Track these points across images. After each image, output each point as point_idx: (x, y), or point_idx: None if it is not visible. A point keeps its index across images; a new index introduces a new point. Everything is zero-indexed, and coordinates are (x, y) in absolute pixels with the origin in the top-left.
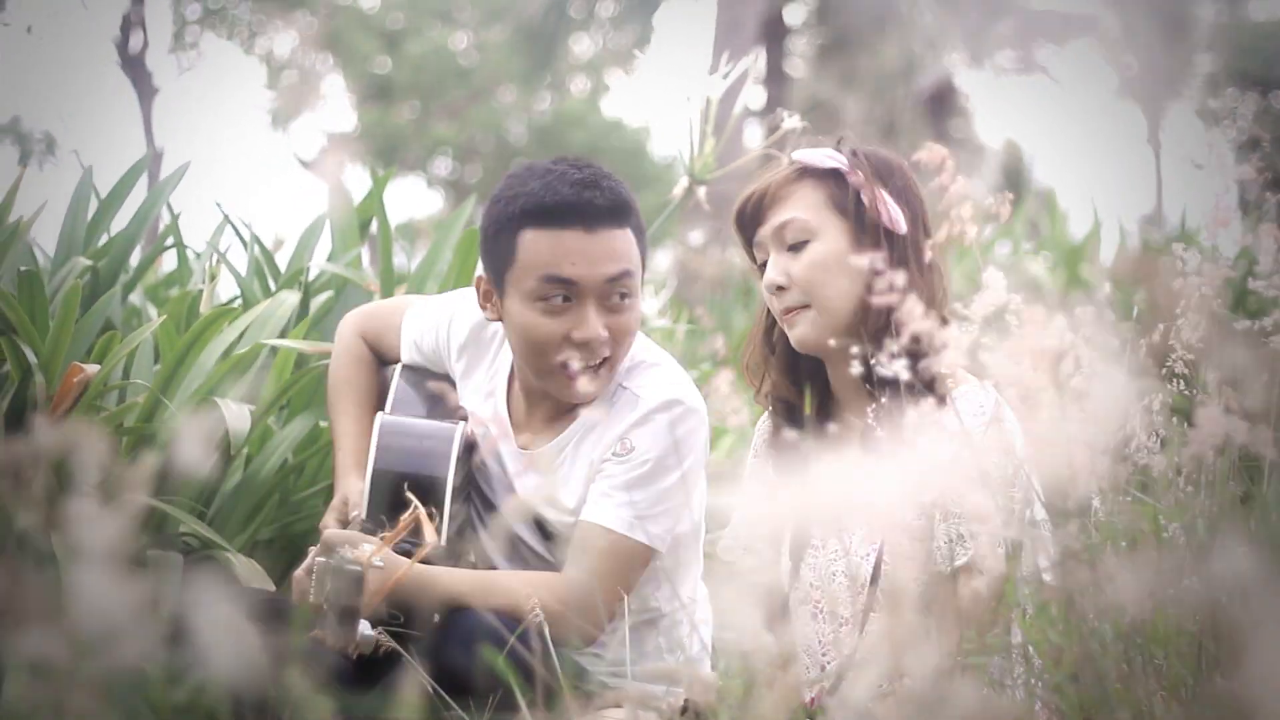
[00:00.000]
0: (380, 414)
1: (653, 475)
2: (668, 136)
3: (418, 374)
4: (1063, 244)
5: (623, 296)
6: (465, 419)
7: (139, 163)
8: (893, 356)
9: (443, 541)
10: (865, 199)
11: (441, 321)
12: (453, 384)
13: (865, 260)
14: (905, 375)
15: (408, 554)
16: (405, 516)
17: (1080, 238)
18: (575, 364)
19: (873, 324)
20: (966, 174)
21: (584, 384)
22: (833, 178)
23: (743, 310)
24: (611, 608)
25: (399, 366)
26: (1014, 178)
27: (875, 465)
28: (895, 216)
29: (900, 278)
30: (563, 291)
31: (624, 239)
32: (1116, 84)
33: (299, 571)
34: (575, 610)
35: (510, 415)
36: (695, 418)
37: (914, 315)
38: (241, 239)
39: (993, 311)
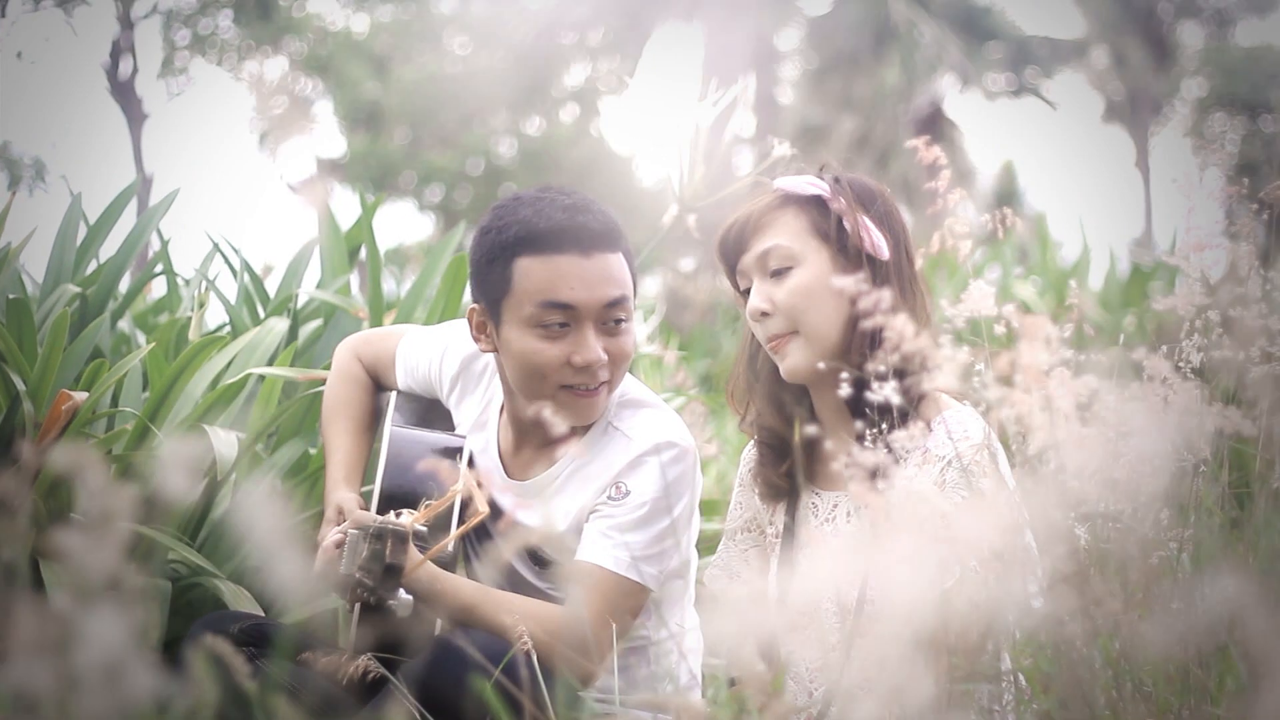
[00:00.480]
0: (390, 424)
1: (647, 519)
2: (657, 163)
3: (414, 400)
4: (1052, 269)
5: (619, 320)
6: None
7: (127, 189)
8: (882, 379)
9: (450, 547)
10: (847, 225)
11: (434, 353)
12: (447, 412)
13: (850, 281)
14: (897, 399)
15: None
16: (454, 487)
17: (1069, 262)
18: (580, 387)
19: (859, 348)
20: (957, 197)
21: (586, 406)
22: (815, 204)
23: (731, 337)
24: (604, 645)
25: (394, 393)
26: (1006, 201)
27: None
28: (877, 242)
29: (886, 296)
30: (561, 317)
31: (618, 263)
32: (1104, 108)
33: (328, 542)
34: (567, 644)
35: (500, 448)
36: (687, 459)
37: (906, 335)
38: (230, 267)
39: (980, 319)
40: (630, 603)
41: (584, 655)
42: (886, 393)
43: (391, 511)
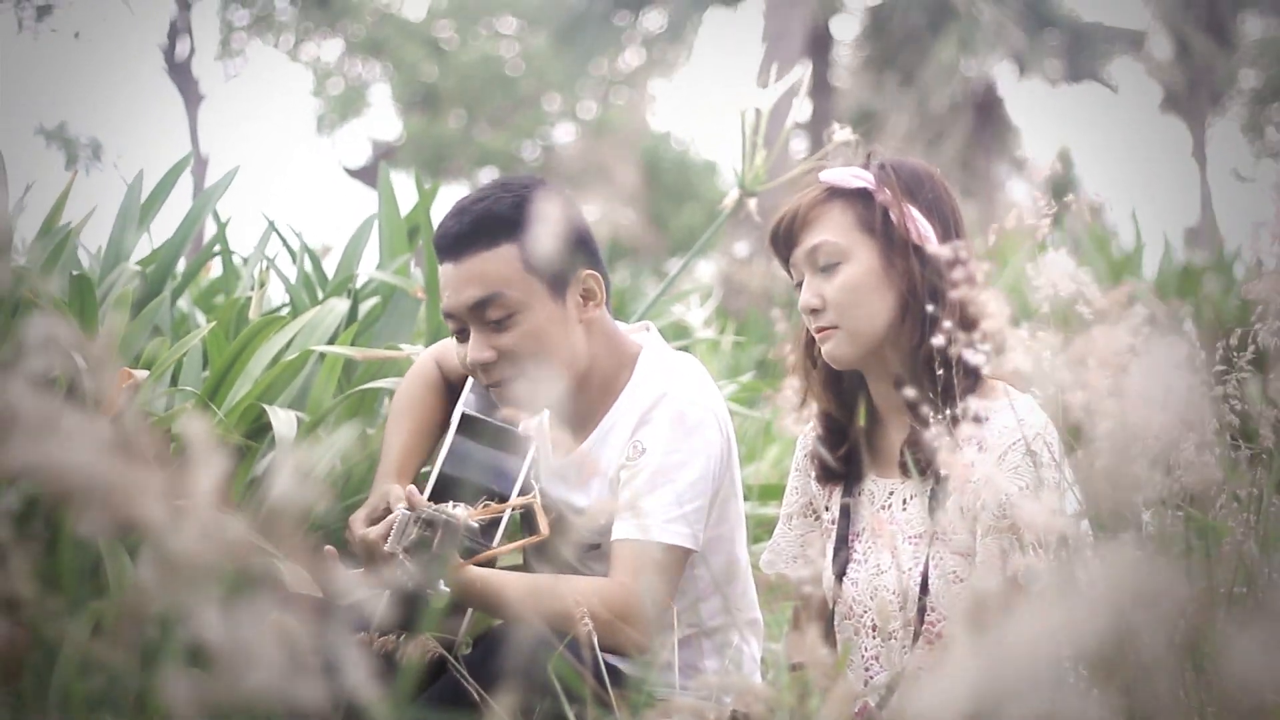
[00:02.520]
0: (461, 409)
1: (665, 472)
2: (710, 145)
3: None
4: (1107, 258)
5: (496, 320)
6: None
7: (179, 164)
8: (961, 351)
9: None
10: (894, 216)
11: None
12: None
13: (948, 250)
14: (976, 358)
15: (474, 552)
16: (518, 499)
17: (1124, 251)
18: (489, 384)
19: (909, 338)
20: (1011, 185)
21: (501, 400)
22: (861, 197)
23: (786, 321)
24: (658, 614)
25: (470, 381)
26: (1061, 190)
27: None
28: (925, 232)
29: (978, 270)
30: (453, 324)
31: (490, 260)
32: (1161, 98)
33: (377, 528)
34: (622, 617)
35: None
36: (696, 409)
37: (987, 311)
38: (290, 249)
39: (1062, 299)
40: (673, 566)
41: (636, 626)
42: (963, 353)
43: (450, 502)
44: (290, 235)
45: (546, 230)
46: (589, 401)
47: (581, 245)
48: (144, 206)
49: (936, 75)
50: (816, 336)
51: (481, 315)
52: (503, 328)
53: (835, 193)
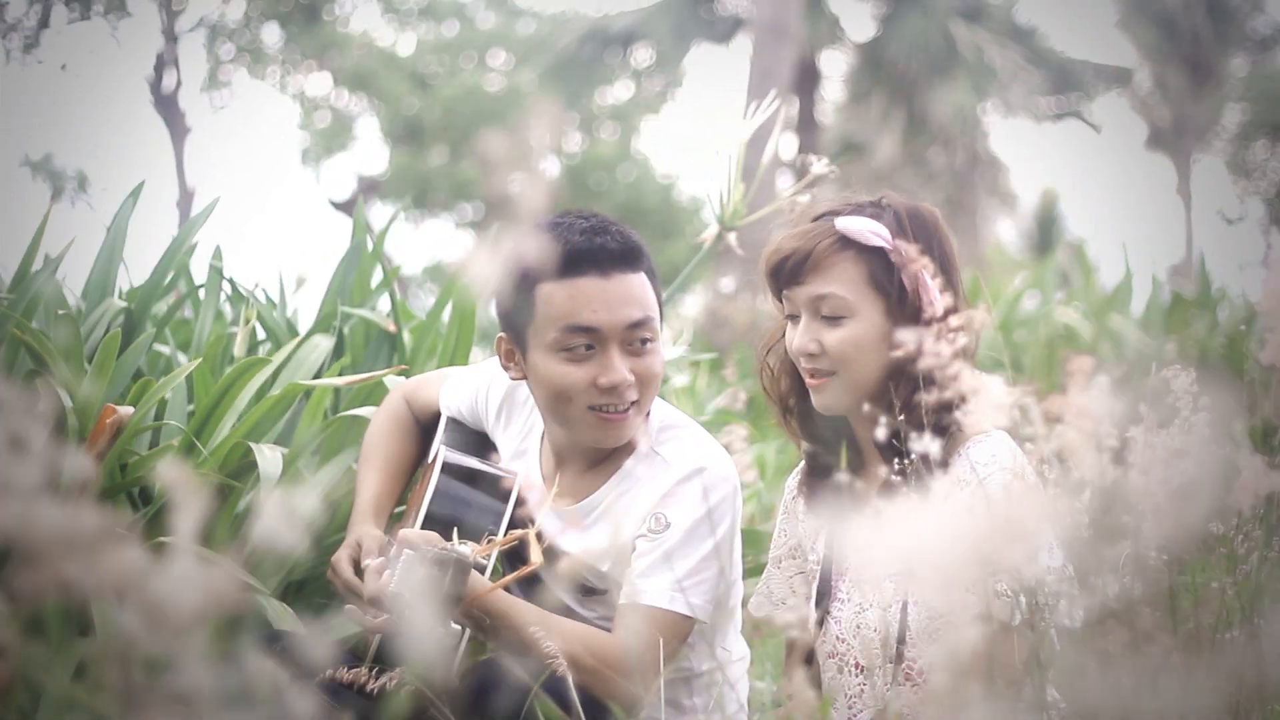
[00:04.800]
0: (442, 448)
1: (687, 546)
2: (696, 181)
3: (463, 429)
4: (1093, 294)
5: (644, 341)
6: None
7: (134, 189)
8: (926, 417)
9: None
10: (907, 281)
11: (481, 384)
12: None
13: (909, 337)
14: (936, 450)
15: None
16: (514, 533)
17: (1111, 288)
18: (608, 409)
19: (904, 390)
20: (996, 222)
21: (618, 428)
22: (875, 253)
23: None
24: (651, 678)
25: (446, 417)
26: (1046, 227)
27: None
28: (935, 300)
29: (945, 349)
30: (585, 340)
31: (639, 283)
32: (1146, 134)
33: (376, 567)
34: (617, 673)
35: (542, 474)
36: (725, 484)
37: (965, 386)
38: (242, 295)
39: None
40: (678, 634)
41: (631, 684)
42: (925, 445)
43: (454, 540)
44: (253, 273)
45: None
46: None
47: None
48: (111, 234)
49: (952, 120)
50: (809, 381)
51: (633, 335)
52: (649, 350)
53: (849, 242)
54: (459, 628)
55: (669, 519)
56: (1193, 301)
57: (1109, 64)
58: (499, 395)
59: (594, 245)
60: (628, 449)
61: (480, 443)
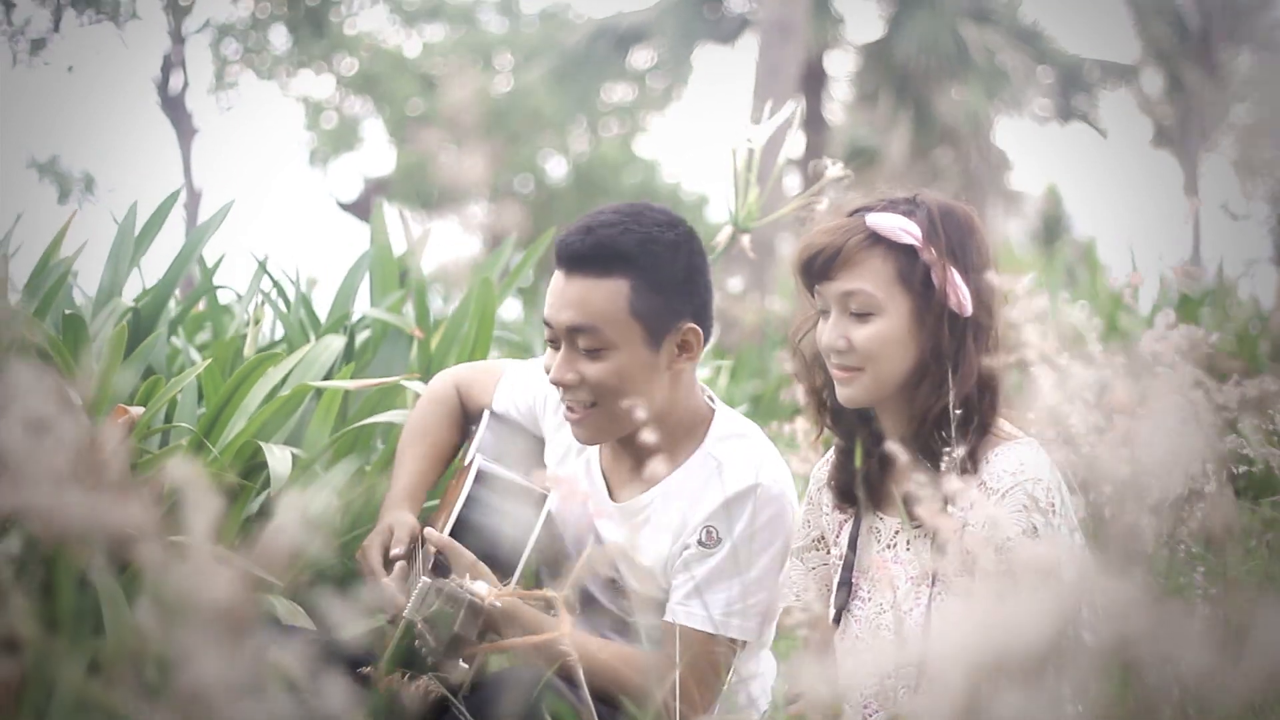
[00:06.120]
0: (478, 456)
1: (739, 567)
2: (702, 182)
3: (505, 424)
4: (1101, 293)
5: (589, 350)
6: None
7: (168, 199)
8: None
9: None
10: (936, 280)
11: (537, 383)
12: (541, 445)
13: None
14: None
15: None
16: (540, 592)
17: (1117, 286)
18: (568, 406)
19: (924, 394)
20: (1004, 221)
21: (577, 427)
22: (904, 250)
23: (778, 359)
24: (709, 701)
25: (488, 412)
26: (1053, 225)
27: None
28: (963, 300)
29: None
30: (549, 333)
31: (598, 290)
32: (1153, 133)
33: (393, 582)
34: (684, 704)
35: (602, 467)
36: (780, 502)
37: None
38: (278, 287)
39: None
40: (726, 658)
41: (682, 710)
42: (956, 453)
43: (480, 582)
44: (280, 272)
45: (662, 276)
46: (654, 452)
47: (692, 296)
48: (137, 240)
49: (963, 122)
50: (835, 375)
51: (574, 339)
52: (591, 357)
53: (879, 239)
54: (466, 667)
55: (720, 535)
56: (1202, 297)
57: (1115, 61)
58: (557, 394)
59: (568, 242)
60: (683, 453)
61: (521, 439)
